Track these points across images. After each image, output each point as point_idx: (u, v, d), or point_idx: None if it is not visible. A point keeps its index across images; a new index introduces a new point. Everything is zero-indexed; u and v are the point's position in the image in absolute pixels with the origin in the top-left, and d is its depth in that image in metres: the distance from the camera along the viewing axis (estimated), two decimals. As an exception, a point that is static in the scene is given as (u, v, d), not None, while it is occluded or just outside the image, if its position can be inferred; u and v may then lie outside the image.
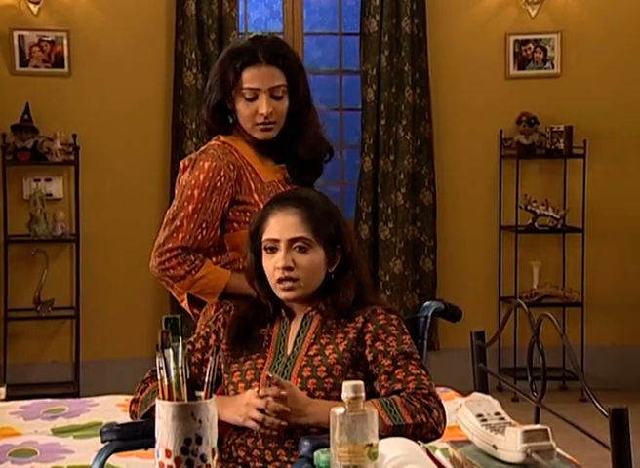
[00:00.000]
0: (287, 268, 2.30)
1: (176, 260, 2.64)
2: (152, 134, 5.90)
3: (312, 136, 2.79)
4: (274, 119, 2.71)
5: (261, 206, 2.64)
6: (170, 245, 2.65)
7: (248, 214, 2.68)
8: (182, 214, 2.66)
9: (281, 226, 2.32)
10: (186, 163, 2.75)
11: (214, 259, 2.72)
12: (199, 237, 2.66)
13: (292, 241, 2.31)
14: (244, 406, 2.17)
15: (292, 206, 2.33)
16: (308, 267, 2.30)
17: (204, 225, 2.67)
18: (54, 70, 5.78)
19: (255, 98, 2.69)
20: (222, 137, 2.78)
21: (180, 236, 2.65)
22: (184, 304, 2.79)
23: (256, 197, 2.70)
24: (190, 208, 2.66)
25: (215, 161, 2.68)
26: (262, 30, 6.25)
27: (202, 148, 2.77)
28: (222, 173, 2.68)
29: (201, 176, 2.67)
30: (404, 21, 5.92)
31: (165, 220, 2.70)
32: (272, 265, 2.32)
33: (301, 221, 2.31)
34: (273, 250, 2.33)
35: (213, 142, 2.78)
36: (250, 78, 2.69)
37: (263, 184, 2.73)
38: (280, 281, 2.31)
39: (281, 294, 2.33)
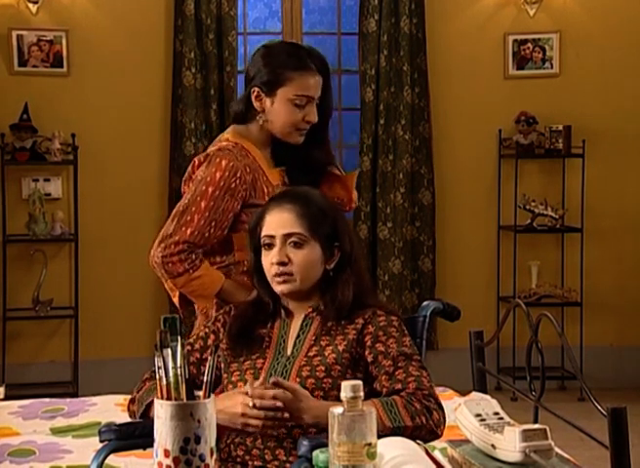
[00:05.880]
0: (281, 263, 2.30)
1: (178, 256, 2.65)
2: (151, 133, 5.90)
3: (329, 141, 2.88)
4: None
5: None
6: (177, 237, 2.65)
7: None
8: (194, 208, 2.67)
9: (276, 222, 2.33)
10: (201, 159, 2.74)
11: (218, 258, 2.72)
12: (206, 234, 2.67)
13: (286, 236, 2.32)
14: (240, 416, 2.14)
15: (287, 202, 2.34)
16: (303, 263, 2.31)
17: (213, 224, 2.67)
18: (52, 70, 5.77)
19: (304, 106, 2.72)
20: (230, 137, 2.77)
21: (189, 231, 2.66)
22: (175, 300, 2.78)
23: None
24: (202, 204, 2.67)
25: (232, 161, 2.69)
26: (261, 30, 6.26)
27: (216, 145, 2.76)
28: (239, 174, 2.68)
29: (217, 174, 2.67)
30: (403, 21, 5.92)
31: (174, 211, 2.70)
32: (269, 261, 2.33)
33: (296, 217, 2.32)
34: (270, 246, 2.34)
35: (225, 143, 2.76)
36: (307, 86, 2.72)
37: (273, 187, 2.75)
38: (276, 275, 2.32)
39: (277, 288, 2.33)
